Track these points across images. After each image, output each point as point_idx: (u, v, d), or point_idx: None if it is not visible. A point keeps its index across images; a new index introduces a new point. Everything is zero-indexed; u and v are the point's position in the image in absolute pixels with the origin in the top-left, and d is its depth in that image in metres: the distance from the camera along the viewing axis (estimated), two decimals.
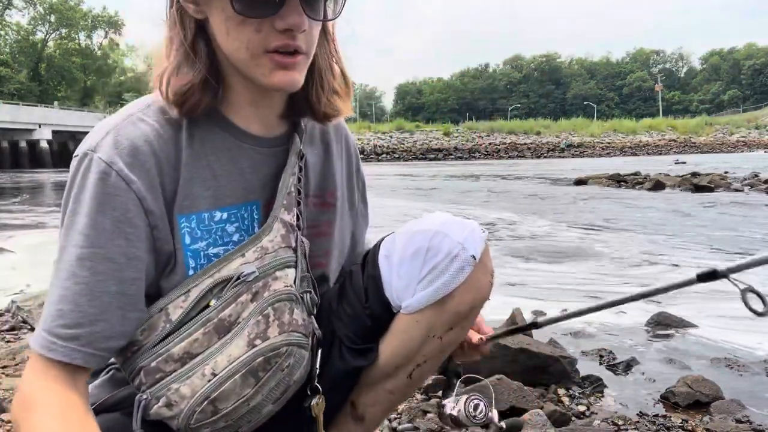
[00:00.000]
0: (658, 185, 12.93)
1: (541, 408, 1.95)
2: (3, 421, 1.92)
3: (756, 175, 14.19)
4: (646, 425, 1.96)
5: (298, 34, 0.89)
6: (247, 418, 0.97)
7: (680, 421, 2.00)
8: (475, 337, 1.21)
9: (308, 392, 1.06)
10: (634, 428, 1.94)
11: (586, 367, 2.51)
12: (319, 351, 1.07)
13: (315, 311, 1.05)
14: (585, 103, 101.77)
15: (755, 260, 0.84)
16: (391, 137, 49.19)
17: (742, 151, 43.12)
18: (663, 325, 3.20)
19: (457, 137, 50.13)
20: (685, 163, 24.74)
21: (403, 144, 46.83)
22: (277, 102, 1.02)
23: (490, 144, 47.74)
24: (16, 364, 2.47)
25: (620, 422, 1.97)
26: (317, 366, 1.07)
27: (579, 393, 2.24)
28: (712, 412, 2.07)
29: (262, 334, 0.94)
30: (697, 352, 2.82)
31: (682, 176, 14.15)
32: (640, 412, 2.09)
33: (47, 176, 27.53)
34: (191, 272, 0.94)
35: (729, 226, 7.24)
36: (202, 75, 0.91)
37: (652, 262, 5.07)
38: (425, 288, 1.02)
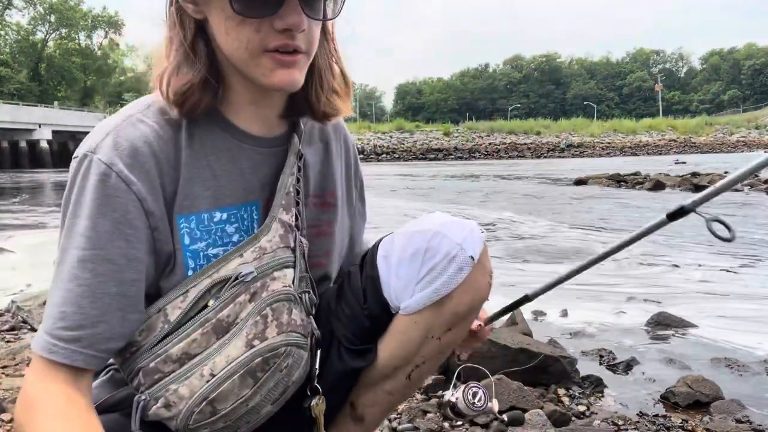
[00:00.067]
0: (658, 185, 12.93)
1: (541, 408, 1.95)
2: (3, 421, 1.92)
3: (756, 175, 14.18)
4: (646, 425, 1.96)
5: (297, 33, 0.88)
6: (246, 419, 0.97)
7: (680, 421, 1.99)
8: (473, 324, 1.20)
9: (308, 393, 1.06)
10: (634, 428, 1.94)
11: (586, 367, 2.51)
12: (318, 351, 1.07)
13: (314, 311, 1.05)
14: (585, 103, 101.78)
15: (716, 189, 0.89)
16: (391, 137, 49.17)
17: (742, 151, 43.10)
18: (663, 325, 3.19)
19: (457, 137, 50.12)
20: (685, 163, 24.74)
21: (403, 144, 46.81)
22: (277, 102, 1.02)
23: (490, 144, 47.73)
24: (16, 364, 2.47)
25: (620, 422, 1.97)
26: (317, 366, 1.07)
27: (579, 393, 2.23)
28: (712, 412, 2.07)
29: (260, 334, 0.94)
30: (697, 352, 2.82)
31: (682, 176, 14.14)
32: (640, 412, 2.09)
33: (47, 176, 27.52)
34: (190, 273, 0.94)
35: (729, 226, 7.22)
36: (202, 75, 0.91)
37: (652, 262, 5.07)
38: (424, 289, 1.02)
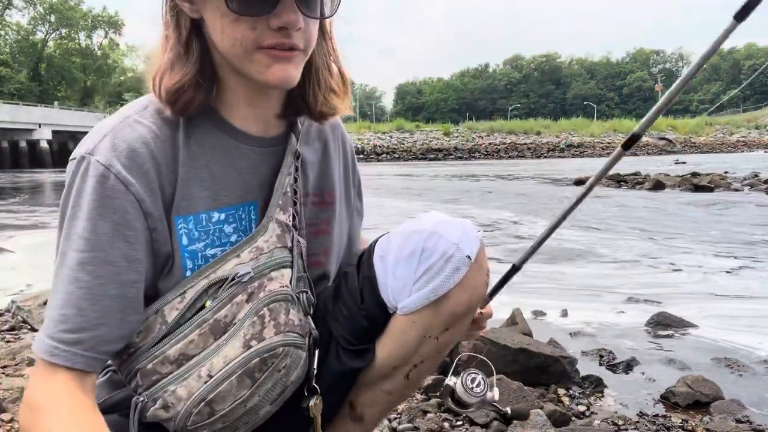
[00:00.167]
0: (658, 185, 12.92)
1: (541, 408, 1.95)
2: (3, 421, 1.91)
3: (756, 175, 14.18)
4: (646, 425, 1.96)
5: (293, 32, 0.88)
6: (244, 419, 0.97)
7: (680, 421, 1.99)
8: None
9: (306, 393, 1.06)
10: (634, 428, 1.93)
11: (586, 367, 2.51)
12: (316, 351, 1.07)
13: (311, 311, 1.05)
14: (585, 103, 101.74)
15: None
16: (391, 137, 49.11)
17: (742, 151, 43.06)
18: (663, 325, 3.19)
19: (457, 137, 50.05)
20: (685, 163, 24.72)
21: (403, 144, 46.75)
22: (274, 101, 1.01)
23: (490, 144, 47.66)
24: (16, 364, 2.47)
25: (620, 422, 1.97)
26: (315, 366, 1.07)
27: (579, 393, 2.23)
28: (712, 412, 2.07)
29: (258, 334, 0.94)
30: (697, 352, 2.82)
31: (682, 176, 14.12)
32: (640, 412, 2.09)
33: (47, 176, 27.51)
34: (189, 273, 0.94)
35: (729, 226, 7.23)
36: (195, 72, 0.91)
37: (651, 262, 5.07)
38: (421, 289, 1.02)
